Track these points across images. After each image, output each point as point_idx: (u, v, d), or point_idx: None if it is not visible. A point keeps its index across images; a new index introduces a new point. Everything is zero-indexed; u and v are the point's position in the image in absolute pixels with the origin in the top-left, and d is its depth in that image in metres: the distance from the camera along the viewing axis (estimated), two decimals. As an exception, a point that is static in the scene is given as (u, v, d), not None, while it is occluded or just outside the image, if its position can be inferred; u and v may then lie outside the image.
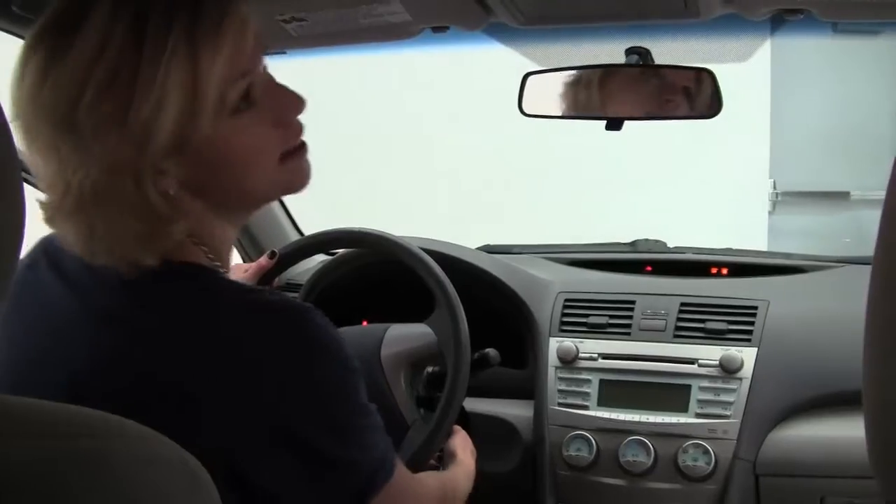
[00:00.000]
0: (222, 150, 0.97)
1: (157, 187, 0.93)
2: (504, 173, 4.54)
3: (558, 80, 1.62)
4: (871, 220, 4.13)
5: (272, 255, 1.71)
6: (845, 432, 1.69)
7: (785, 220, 4.79)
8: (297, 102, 1.04)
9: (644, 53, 1.57)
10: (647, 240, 2.26)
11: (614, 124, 1.53)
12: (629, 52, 1.58)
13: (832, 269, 2.03)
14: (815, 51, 4.70)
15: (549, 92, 1.61)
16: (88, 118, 0.89)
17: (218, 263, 1.04)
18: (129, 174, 0.91)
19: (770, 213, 4.70)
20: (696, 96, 1.53)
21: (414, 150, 4.65)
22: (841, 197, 4.93)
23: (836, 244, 4.81)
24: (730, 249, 2.28)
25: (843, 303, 1.85)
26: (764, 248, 4.49)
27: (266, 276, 1.72)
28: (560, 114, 1.62)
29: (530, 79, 1.63)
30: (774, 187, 4.72)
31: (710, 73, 1.51)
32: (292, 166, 1.06)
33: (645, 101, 1.56)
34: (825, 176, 4.88)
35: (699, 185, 4.50)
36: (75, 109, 0.89)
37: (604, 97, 1.58)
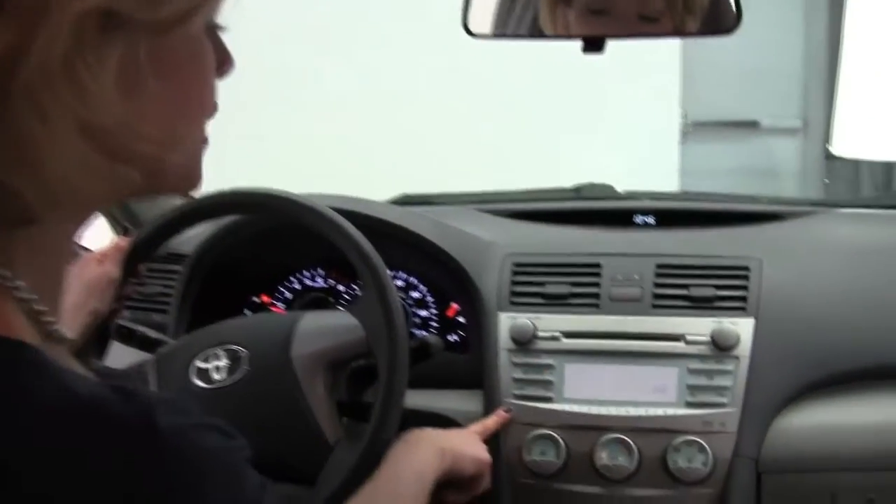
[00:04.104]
0: None
1: None
2: (401, 119, 4.12)
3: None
4: (780, 148, 4.02)
5: (125, 232, 1.33)
6: (862, 417, 1.42)
7: (696, 149, 4.60)
8: None
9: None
10: (592, 184, 1.92)
11: (593, 45, 1.17)
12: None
13: (813, 217, 1.71)
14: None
15: (503, 6, 1.24)
16: None
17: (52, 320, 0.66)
18: None
19: (681, 143, 4.48)
20: (697, 6, 1.18)
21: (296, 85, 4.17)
22: (751, 126, 4.82)
23: (748, 172, 4.76)
24: (688, 193, 1.98)
25: (846, 259, 1.56)
26: (675, 181, 4.29)
27: (131, 260, 1.33)
28: (519, 33, 1.25)
29: (478, -11, 1.25)
30: (685, 118, 4.51)
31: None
32: None
33: (629, 14, 1.21)
34: (735, 105, 4.74)
35: (610, 121, 4.21)
36: None
37: (577, 10, 1.22)
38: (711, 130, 4.73)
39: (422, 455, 1.19)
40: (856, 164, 4.53)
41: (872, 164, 4.46)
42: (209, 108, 0.71)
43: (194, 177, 0.73)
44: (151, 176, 0.66)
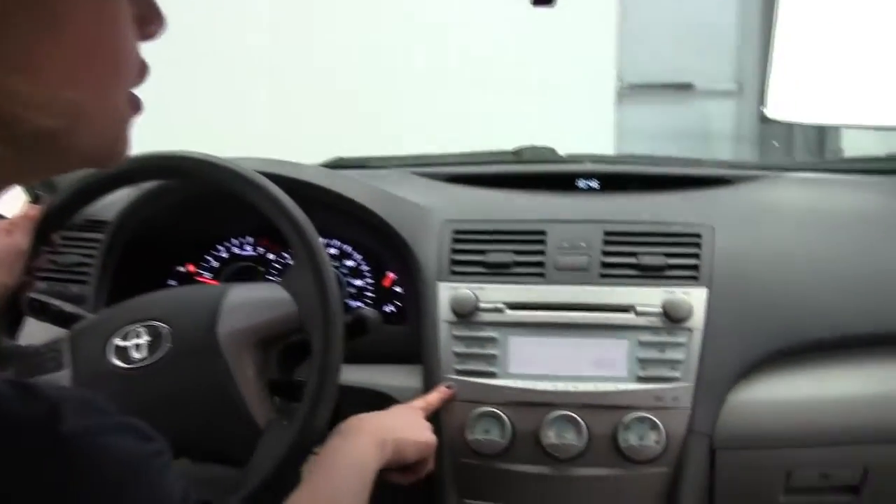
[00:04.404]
0: None
1: None
2: (333, 80, 3.98)
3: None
4: (715, 111, 4.02)
5: (36, 199, 1.22)
6: (818, 391, 1.37)
7: (631, 111, 4.55)
8: None
9: None
10: (533, 147, 1.84)
11: (544, -4, 1.08)
12: None
13: (763, 181, 1.65)
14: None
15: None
16: None
17: None
18: None
19: (616, 105, 4.43)
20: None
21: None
22: (686, 88, 4.76)
23: (683, 135, 4.69)
24: (632, 156, 1.91)
25: (799, 225, 1.50)
26: (611, 143, 4.23)
27: (43, 229, 1.22)
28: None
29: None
30: (621, 80, 4.45)
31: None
32: None
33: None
34: (671, 67, 4.67)
35: (545, 82, 4.12)
36: None
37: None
38: (647, 93, 4.67)
39: (361, 449, 1.10)
40: (790, 127, 4.52)
41: (806, 128, 4.46)
42: (125, 73, 0.60)
43: (111, 152, 0.62)
44: (25, 148, 0.56)
